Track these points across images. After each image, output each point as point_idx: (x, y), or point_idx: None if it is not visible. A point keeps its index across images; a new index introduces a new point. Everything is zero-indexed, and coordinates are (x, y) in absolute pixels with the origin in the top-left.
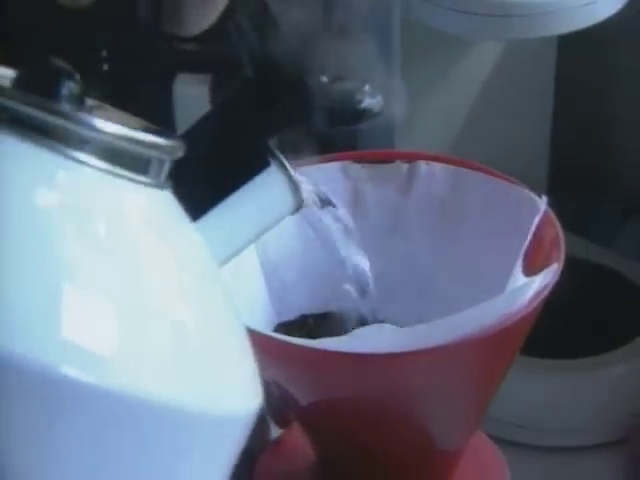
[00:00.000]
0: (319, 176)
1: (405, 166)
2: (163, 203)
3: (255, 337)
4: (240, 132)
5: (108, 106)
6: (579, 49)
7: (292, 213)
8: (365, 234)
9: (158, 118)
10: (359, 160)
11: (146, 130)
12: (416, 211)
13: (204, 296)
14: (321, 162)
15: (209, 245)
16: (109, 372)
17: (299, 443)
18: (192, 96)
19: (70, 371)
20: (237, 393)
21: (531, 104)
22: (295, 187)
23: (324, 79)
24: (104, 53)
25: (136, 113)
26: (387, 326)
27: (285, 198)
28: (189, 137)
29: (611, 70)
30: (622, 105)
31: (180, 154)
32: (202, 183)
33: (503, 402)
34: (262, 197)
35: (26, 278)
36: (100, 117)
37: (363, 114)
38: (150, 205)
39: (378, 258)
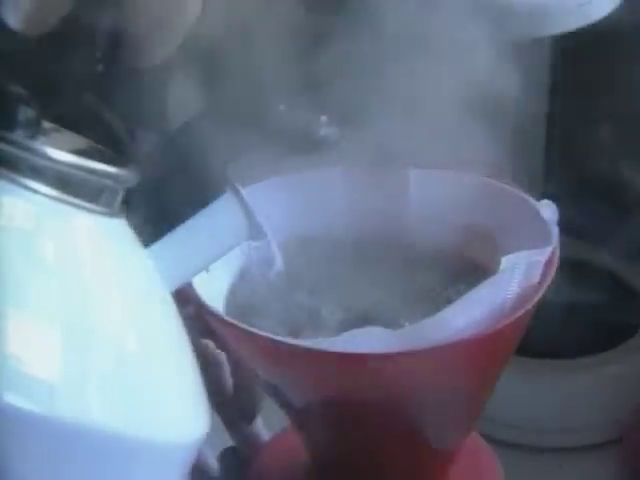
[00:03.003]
0: (318, 181)
1: (403, 171)
2: (115, 231)
3: (247, 335)
4: (196, 159)
5: (65, 130)
6: (574, 49)
7: (246, 240)
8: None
9: (152, 117)
10: (358, 165)
11: (100, 156)
12: (416, 216)
13: (152, 324)
14: (320, 167)
15: (162, 270)
16: (54, 400)
17: (293, 444)
18: (186, 95)
19: (14, 399)
20: (182, 420)
21: (525, 105)
22: (249, 214)
23: (282, 108)
24: (98, 54)
25: (130, 113)
26: (378, 329)
27: (239, 225)
28: (145, 163)
29: (606, 71)
30: (619, 106)
31: (133, 183)
32: (157, 208)
33: (498, 402)
34: (216, 223)
35: None
36: (55, 143)
37: (320, 144)
38: (101, 233)
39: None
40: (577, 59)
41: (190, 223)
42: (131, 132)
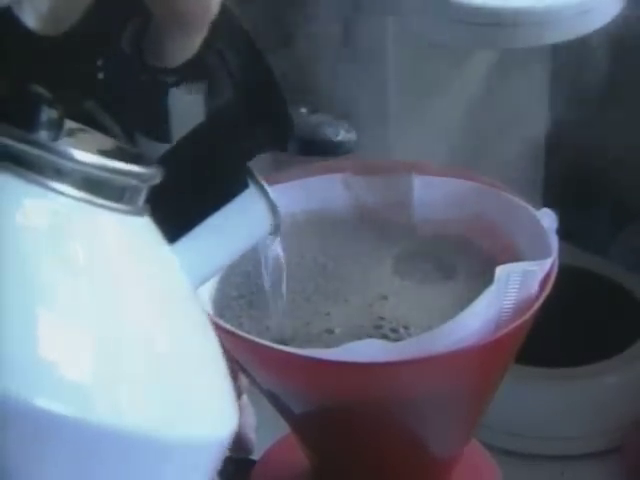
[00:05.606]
0: (319, 187)
1: (405, 178)
2: (140, 229)
3: (249, 345)
4: (220, 154)
5: (88, 128)
6: (573, 57)
7: (270, 235)
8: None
9: (154, 126)
10: (359, 171)
11: (124, 154)
12: (417, 223)
13: (179, 321)
14: (321, 173)
15: (187, 266)
16: (86, 402)
17: (293, 452)
18: (188, 103)
19: (46, 403)
20: (212, 418)
21: (526, 112)
22: (273, 209)
23: (303, 110)
24: (99, 62)
25: (132, 121)
26: (378, 341)
27: (263, 220)
28: (168, 159)
29: (606, 78)
30: (619, 113)
31: (157, 181)
32: (181, 205)
33: (498, 410)
34: (240, 219)
35: (3, 310)
36: (78, 143)
37: (339, 147)
38: (126, 232)
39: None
40: (577, 66)
41: (214, 219)
42: (132, 140)
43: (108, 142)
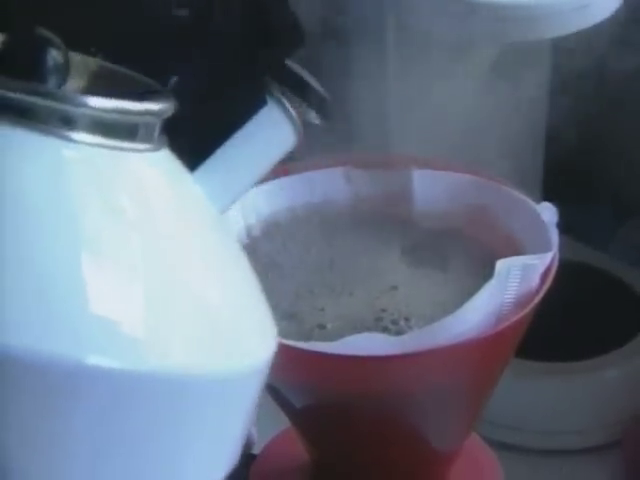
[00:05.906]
0: (320, 181)
1: (405, 172)
2: (159, 163)
3: None
4: (233, 72)
5: (96, 60)
6: (574, 52)
7: (292, 148)
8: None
9: None
10: (360, 165)
11: (136, 87)
12: (417, 216)
13: (215, 252)
14: (322, 167)
15: (212, 191)
16: (138, 355)
17: (293, 446)
18: None
19: (99, 360)
20: (254, 346)
21: (526, 107)
22: (293, 122)
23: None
24: (93, 49)
25: None
26: (378, 335)
27: (285, 134)
28: (184, 82)
29: (606, 74)
30: (618, 109)
31: (170, 113)
32: (199, 129)
33: (498, 405)
34: (261, 136)
35: (51, 269)
36: (88, 79)
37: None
38: (148, 168)
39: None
40: (577, 61)
41: (235, 139)
42: None
43: (94, 62)
